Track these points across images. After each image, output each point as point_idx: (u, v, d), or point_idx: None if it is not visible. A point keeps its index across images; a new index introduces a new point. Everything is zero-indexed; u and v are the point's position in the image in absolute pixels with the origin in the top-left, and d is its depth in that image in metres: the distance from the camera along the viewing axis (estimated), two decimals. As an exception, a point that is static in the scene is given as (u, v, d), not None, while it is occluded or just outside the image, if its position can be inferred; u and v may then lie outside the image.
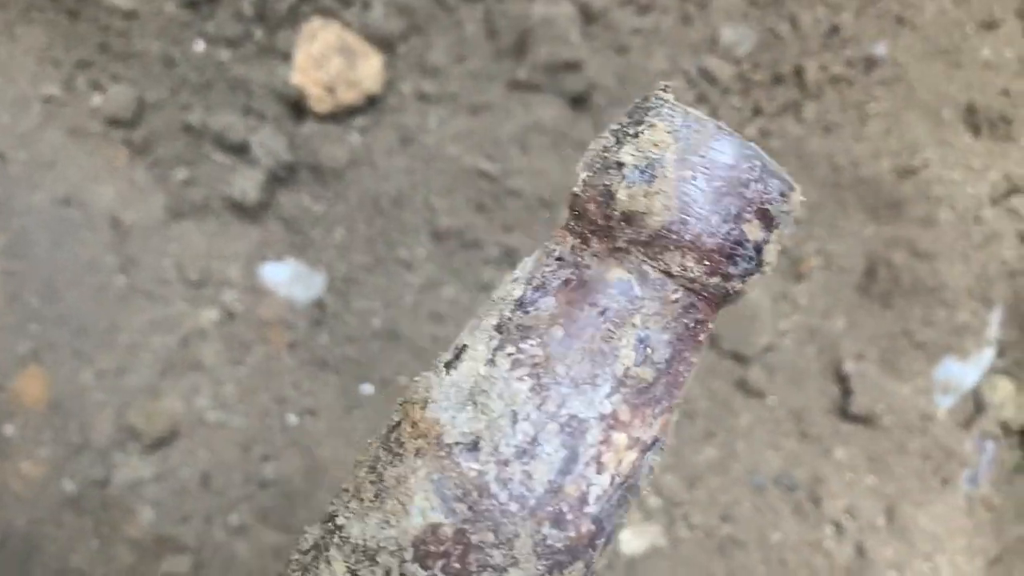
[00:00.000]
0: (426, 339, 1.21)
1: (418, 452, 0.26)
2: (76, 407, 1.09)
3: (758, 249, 0.28)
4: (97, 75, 1.25)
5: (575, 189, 0.31)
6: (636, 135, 0.29)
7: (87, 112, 1.23)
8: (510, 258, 1.25)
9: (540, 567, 0.25)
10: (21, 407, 1.07)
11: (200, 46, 1.32)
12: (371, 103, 1.34)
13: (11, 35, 1.20)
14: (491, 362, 0.27)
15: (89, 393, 1.10)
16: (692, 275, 0.28)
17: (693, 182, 0.27)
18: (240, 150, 1.30)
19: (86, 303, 1.15)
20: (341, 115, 1.33)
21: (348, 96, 1.31)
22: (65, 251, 1.16)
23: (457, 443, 0.26)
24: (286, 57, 1.34)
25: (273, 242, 1.29)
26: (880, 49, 1.44)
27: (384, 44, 1.36)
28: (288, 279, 1.28)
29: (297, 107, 1.33)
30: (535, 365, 0.26)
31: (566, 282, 0.28)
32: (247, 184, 1.27)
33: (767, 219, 0.28)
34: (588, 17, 1.36)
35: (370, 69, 1.33)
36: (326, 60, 1.30)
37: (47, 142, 1.19)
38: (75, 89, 1.23)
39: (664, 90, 0.30)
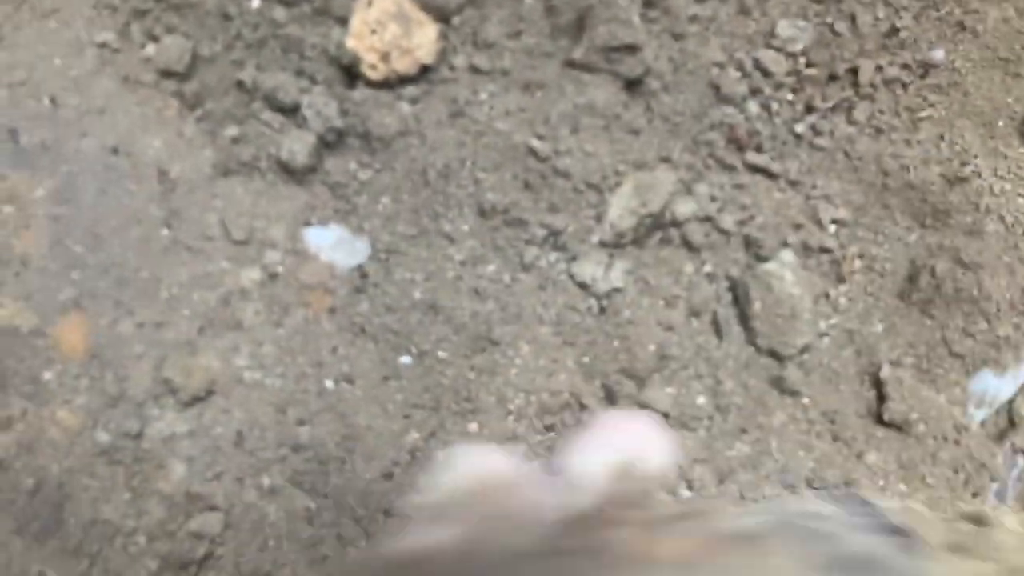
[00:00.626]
0: (466, 314, 1.20)
1: None
2: (114, 358, 1.09)
3: None
4: (152, 25, 1.23)
5: None
6: None
7: (140, 61, 1.22)
8: (554, 239, 1.24)
9: None
10: (60, 354, 1.06)
11: (255, 3, 1.30)
12: (423, 73, 1.33)
13: (70, -22, 1.18)
14: None
15: (128, 344, 1.10)
16: None
17: None
18: (291, 111, 1.29)
19: (129, 253, 1.14)
20: (393, 83, 1.31)
21: (401, 64, 1.30)
22: (111, 200, 1.15)
23: None
24: (341, 21, 1.33)
25: (318, 206, 1.28)
26: (938, 54, 1.42)
27: (440, 14, 1.34)
28: (331, 244, 1.27)
29: (349, 72, 1.32)
30: None
31: None
32: (296, 146, 1.26)
33: None
34: (647, 1, 1.34)
35: (425, 38, 1.32)
36: (382, 27, 1.28)
37: (99, 89, 1.18)
38: (129, 37, 1.22)
39: None
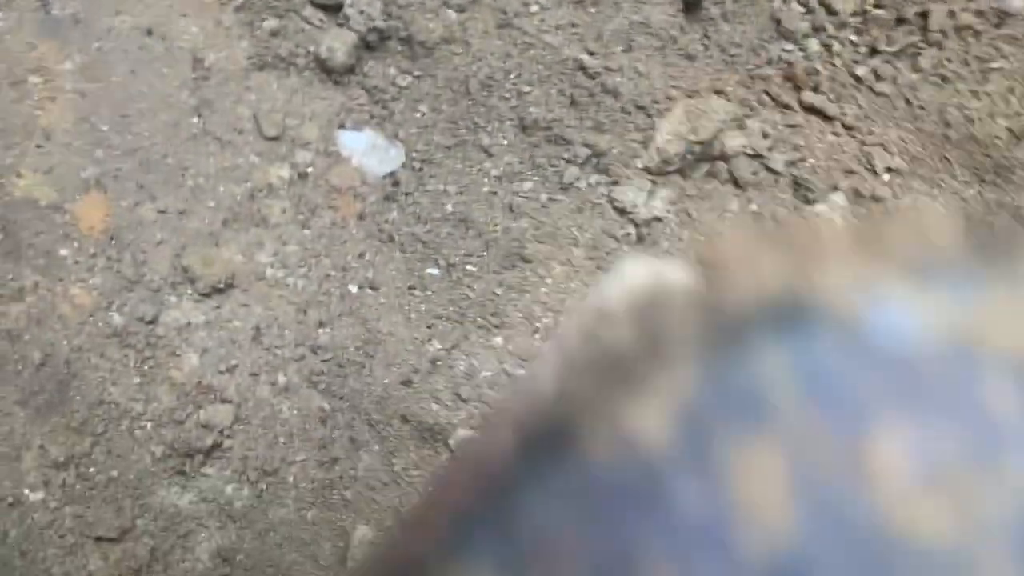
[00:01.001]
0: (499, 229, 1.15)
1: None
2: (133, 241, 1.05)
3: None
4: (196, -94, 1.19)
5: None
6: None
7: (181, -58, 1.17)
8: (596, 160, 1.19)
9: None
10: (78, 231, 1.03)
11: None
12: (472, -20, 1.28)
13: None
14: None
15: (148, 229, 1.06)
16: None
17: None
18: (333, 9, 1.24)
19: (156, 138, 1.10)
20: (440, -11, 1.26)
21: (451, -31, 1.24)
22: (141, 81, 1.11)
23: None
24: (391, -80, 1.28)
25: (354, 109, 1.23)
26: (1016, 2, 1.35)
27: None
28: (364, 149, 1.22)
29: (396, -26, 1.27)
30: None
31: None
32: (336, 45, 1.21)
33: None
34: (715, -79, 1.27)
35: (477, -56, 1.26)
36: (434, -74, 1.23)
37: (137, -34, 1.14)
38: (172, -84, 1.17)
39: None
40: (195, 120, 1.14)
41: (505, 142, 1.21)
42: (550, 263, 1.10)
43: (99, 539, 0.97)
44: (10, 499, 0.95)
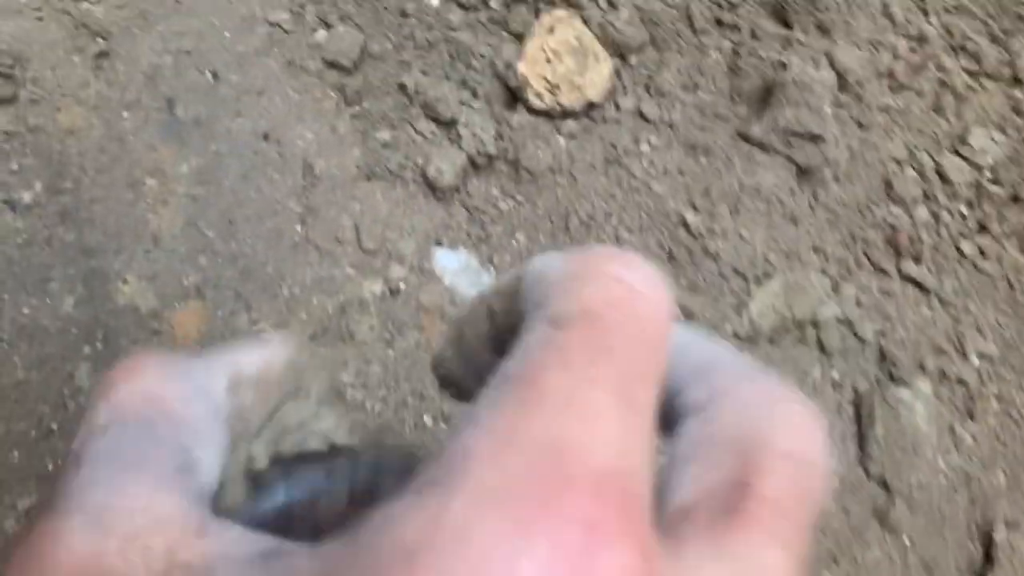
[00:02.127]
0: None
1: None
2: (226, 350, 1.07)
3: None
4: (327, 10, 1.19)
5: None
6: None
7: (308, 47, 1.18)
8: (686, 320, 1.18)
9: None
10: (173, 340, 1.05)
11: (434, 1, 1.25)
12: (587, 108, 1.26)
13: (256, -50, 1.14)
14: None
15: (241, 340, 1.08)
16: None
17: None
18: (447, 124, 1.24)
19: (259, 245, 1.12)
20: (554, 115, 1.25)
21: (569, 99, 1.23)
22: (251, 186, 1.13)
23: None
24: (516, 37, 1.27)
25: (452, 227, 1.24)
26: None
27: (619, 50, 1.27)
28: (457, 269, 1.23)
29: (512, 94, 1.26)
30: None
31: None
32: (445, 166, 1.21)
33: None
34: (842, 84, 1.25)
35: (598, 75, 1.25)
36: (558, 58, 1.22)
37: (262, 70, 1.15)
38: (303, 20, 1.18)
39: None
40: (298, 228, 1.15)
41: (598, 287, 1.20)
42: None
43: None
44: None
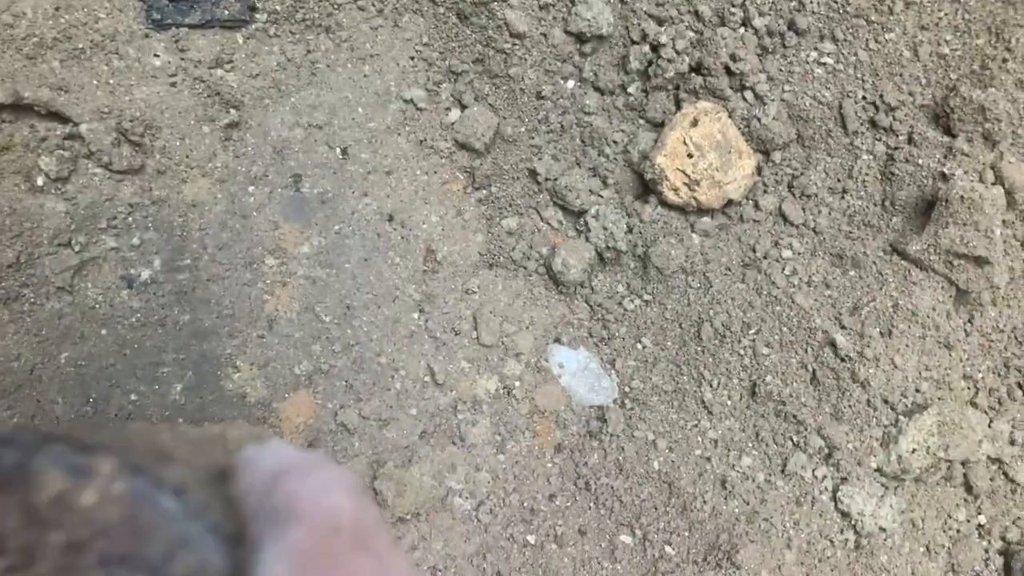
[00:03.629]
0: (707, 509, 1.05)
1: None
2: (331, 448, 1.00)
3: None
4: (463, 89, 1.13)
5: None
6: None
7: (440, 127, 1.12)
8: (828, 452, 1.08)
9: None
10: (280, 431, 0.98)
11: (570, 84, 1.18)
12: (724, 206, 1.18)
13: (396, 22, 1.09)
14: None
15: (348, 436, 1.00)
16: None
17: None
18: (575, 214, 1.17)
19: (374, 334, 1.05)
20: (689, 211, 1.17)
21: (707, 196, 1.15)
22: (371, 270, 1.06)
23: None
24: (654, 125, 1.19)
25: (573, 323, 1.16)
26: None
27: (764, 147, 1.18)
28: (576, 370, 1.15)
29: (645, 186, 1.18)
30: None
31: None
32: (572, 261, 1.13)
33: None
34: (1009, 203, 1.14)
35: (741, 173, 1.16)
36: (701, 152, 1.14)
37: (392, 148, 1.09)
38: (437, 98, 1.12)
39: None
40: (415, 316, 1.08)
41: (729, 403, 1.11)
42: (760, 572, 1.00)
43: None
44: None
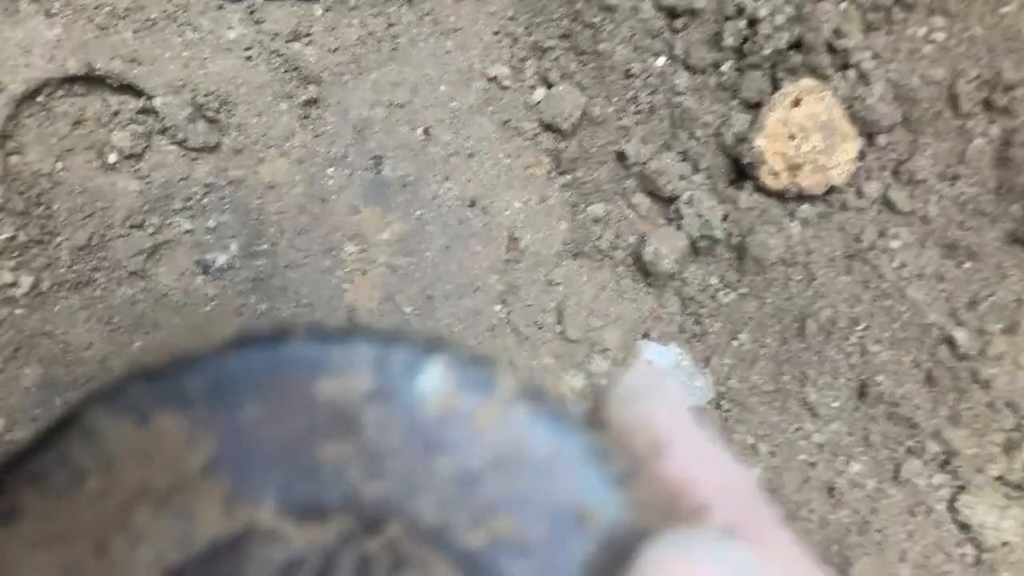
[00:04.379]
0: (814, 517, 0.98)
1: None
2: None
3: None
4: (549, 67, 1.06)
5: None
6: None
7: (524, 107, 1.05)
8: (945, 458, 0.99)
9: None
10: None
11: (660, 62, 1.11)
12: (826, 194, 1.10)
13: (481, -5, 1.02)
14: None
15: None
16: None
17: None
18: (665, 201, 1.09)
19: (456, 326, 0.98)
20: (788, 197, 1.09)
21: (810, 181, 1.07)
22: (453, 259, 1.00)
23: None
24: (747, 106, 1.11)
25: (663, 318, 1.08)
26: None
27: (868, 129, 1.10)
28: (666, 367, 1.07)
29: (739, 171, 1.11)
30: None
31: None
32: (664, 250, 1.06)
33: None
34: None
35: (845, 156, 1.08)
36: (805, 134, 1.06)
37: (475, 129, 1.02)
38: (522, 76, 1.05)
39: None
40: (498, 308, 1.02)
41: (836, 405, 1.03)
42: (876, 586, 0.92)
43: None
44: None
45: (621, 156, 1.09)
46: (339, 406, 0.22)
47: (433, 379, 0.23)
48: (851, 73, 1.12)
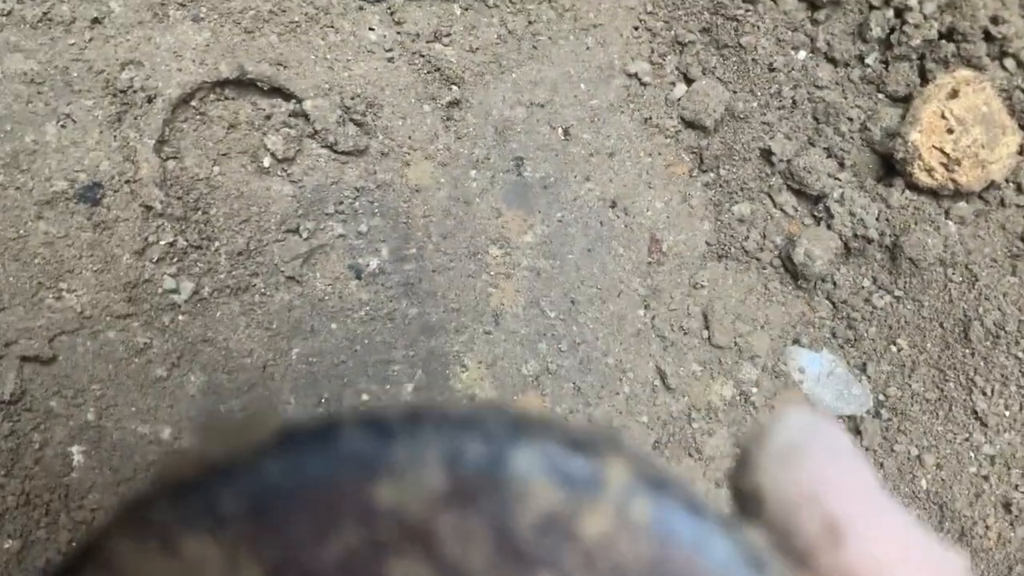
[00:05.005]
0: (991, 537, 0.91)
1: None
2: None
3: None
4: (690, 61, 1.02)
5: None
6: None
7: (664, 103, 1.01)
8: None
9: None
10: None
11: (802, 55, 1.06)
12: (984, 190, 1.03)
13: (622, -10, 0.99)
14: None
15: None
16: None
17: None
18: (812, 199, 1.04)
19: (600, 331, 0.94)
20: (942, 195, 1.03)
21: (968, 177, 1.01)
22: (595, 262, 0.96)
23: None
24: (894, 100, 1.06)
25: (814, 322, 1.03)
26: None
27: (1028, 122, 1.03)
28: (819, 375, 1.02)
29: (888, 167, 1.05)
30: None
31: None
32: (817, 252, 1.00)
33: None
34: None
35: (1006, 151, 1.02)
36: (964, 127, 0.99)
37: (615, 127, 0.98)
38: (662, 72, 1.01)
39: None
40: (641, 313, 0.97)
41: (1008, 414, 0.96)
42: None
43: None
44: None
45: (767, 153, 1.04)
46: (406, 515, 0.18)
47: (522, 474, 0.18)
48: (1009, 63, 1.05)
